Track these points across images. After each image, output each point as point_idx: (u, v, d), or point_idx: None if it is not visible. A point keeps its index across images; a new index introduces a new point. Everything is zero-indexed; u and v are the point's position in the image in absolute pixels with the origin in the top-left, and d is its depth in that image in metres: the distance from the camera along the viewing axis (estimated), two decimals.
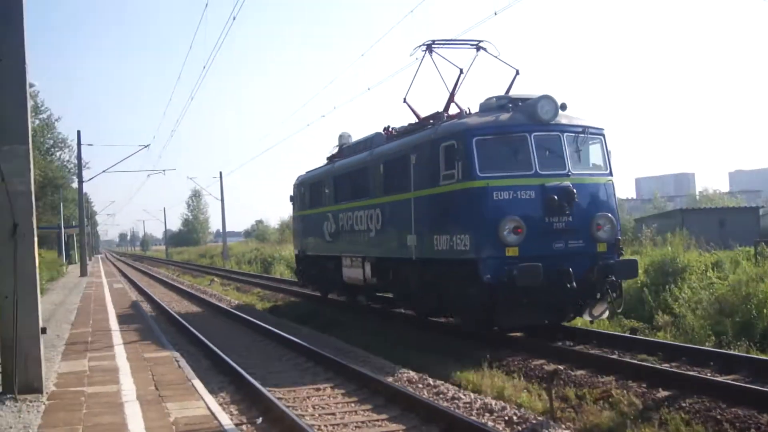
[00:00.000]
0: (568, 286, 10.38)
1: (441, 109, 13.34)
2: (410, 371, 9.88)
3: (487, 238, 10.61)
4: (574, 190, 10.81)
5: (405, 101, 14.60)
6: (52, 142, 78.36)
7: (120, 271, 53.42)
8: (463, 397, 8.51)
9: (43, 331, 8.31)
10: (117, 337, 13.47)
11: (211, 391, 8.62)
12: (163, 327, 17.20)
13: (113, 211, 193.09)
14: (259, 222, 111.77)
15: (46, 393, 8.20)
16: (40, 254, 39.59)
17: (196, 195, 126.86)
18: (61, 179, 65.41)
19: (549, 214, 10.81)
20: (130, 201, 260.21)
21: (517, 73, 13.12)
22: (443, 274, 11.69)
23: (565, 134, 11.30)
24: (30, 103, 8.99)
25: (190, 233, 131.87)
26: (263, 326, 15.29)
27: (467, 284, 10.96)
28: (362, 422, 7.69)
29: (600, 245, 11.19)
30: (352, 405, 8.46)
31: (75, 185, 51.49)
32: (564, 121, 11.39)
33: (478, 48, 13.57)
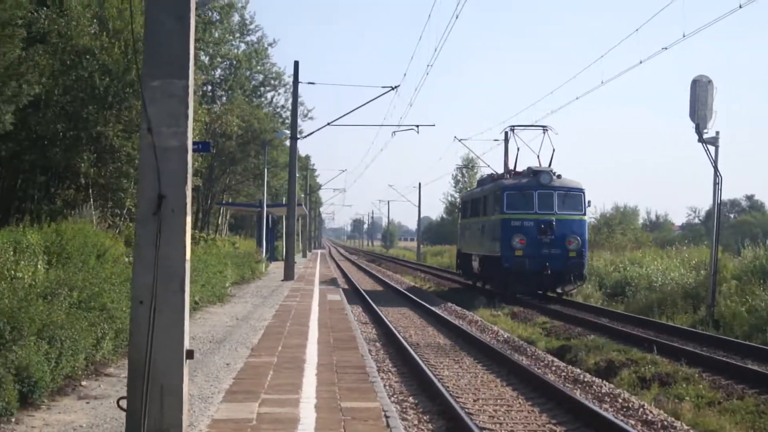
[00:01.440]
0: (546, 273, 32.02)
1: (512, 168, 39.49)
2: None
3: (506, 247, 32.57)
4: (554, 222, 32.35)
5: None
6: (262, 78, 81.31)
7: (344, 274, 54.93)
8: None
9: (189, 355, 8.51)
10: (310, 374, 13.96)
11: None
12: (384, 365, 17.89)
13: (343, 184, 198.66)
14: None
15: None
16: (232, 242, 41.34)
17: (468, 166, 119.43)
18: (271, 133, 66.84)
19: (540, 234, 32.35)
20: (366, 170, 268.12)
21: (554, 150, 41.90)
22: (491, 263, 34.68)
23: (556, 192, 33.23)
24: (208, 16, 8.51)
25: (455, 224, 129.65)
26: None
27: (497, 267, 33.07)
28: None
29: (571, 252, 32.08)
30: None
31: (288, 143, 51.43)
32: (556, 184, 33.35)
33: (545, 130, 38.53)
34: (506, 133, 44.29)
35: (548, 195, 33.96)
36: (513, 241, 33.26)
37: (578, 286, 35.39)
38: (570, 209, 34.11)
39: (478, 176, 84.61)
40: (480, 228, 38.63)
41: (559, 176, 34.87)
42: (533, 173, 34.80)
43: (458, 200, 47.71)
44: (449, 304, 32.99)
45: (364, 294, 36.30)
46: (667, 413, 13.71)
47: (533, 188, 34.05)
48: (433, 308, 29.92)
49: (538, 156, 40.46)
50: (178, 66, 8.49)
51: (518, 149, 54.08)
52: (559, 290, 35.04)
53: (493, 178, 40.38)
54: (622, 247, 54.32)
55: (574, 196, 34.42)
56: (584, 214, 34.70)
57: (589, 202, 34.73)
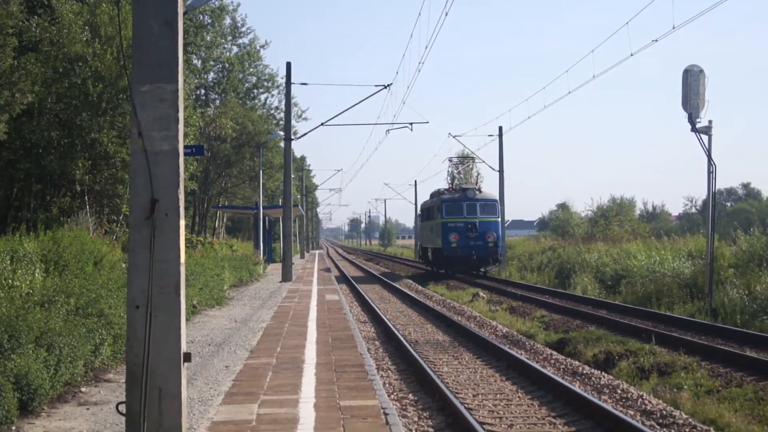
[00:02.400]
0: (473, 258, 49.01)
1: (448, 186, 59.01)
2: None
3: (445, 241, 49.01)
4: (477, 223, 48.73)
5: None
6: (255, 80, 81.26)
7: (342, 273, 55.15)
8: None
9: (186, 357, 8.56)
10: (309, 374, 14.01)
11: None
12: (384, 363, 17.96)
13: (339, 184, 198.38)
14: (561, 206, 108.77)
15: None
16: (230, 245, 41.45)
17: (462, 162, 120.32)
18: (266, 135, 66.63)
19: (468, 231, 48.64)
20: (362, 169, 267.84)
21: (479, 175, 67.73)
22: (436, 252, 52.12)
23: (478, 203, 49.58)
24: (198, 19, 8.56)
25: None
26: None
27: (441, 255, 50.22)
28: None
29: (489, 244, 48.65)
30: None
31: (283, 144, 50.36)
32: (479, 197, 50.07)
33: (474, 161, 71.58)
34: (449, 160, 66.73)
35: (473, 205, 49.50)
36: (449, 237, 48.76)
37: (495, 266, 51.54)
38: (488, 214, 49.51)
39: (474, 171, 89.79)
40: (430, 228, 55.52)
41: (480, 191, 51.20)
42: (463, 190, 51.10)
43: (418, 208, 63.50)
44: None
45: (362, 293, 36.49)
46: (666, 403, 13.77)
47: (462, 200, 49.73)
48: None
49: (476, 180, 64.98)
50: (167, 70, 8.54)
51: (454, 177, 64.99)
52: (482, 270, 50.94)
53: (439, 192, 55.50)
54: (618, 239, 54.27)
55: (491, 205, 50.22)
56: (498, 217, 50.21)
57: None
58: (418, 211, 67.76)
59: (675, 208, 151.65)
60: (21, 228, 23.26)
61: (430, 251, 55.80)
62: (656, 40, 27.27)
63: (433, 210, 54.48)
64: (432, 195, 58.82)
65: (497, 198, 52.56)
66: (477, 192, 50.47)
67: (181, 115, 8.60)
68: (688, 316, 25.35)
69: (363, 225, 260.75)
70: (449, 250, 48.99)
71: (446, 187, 57.65)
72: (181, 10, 8.70)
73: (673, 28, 26.14)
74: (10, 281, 15.41)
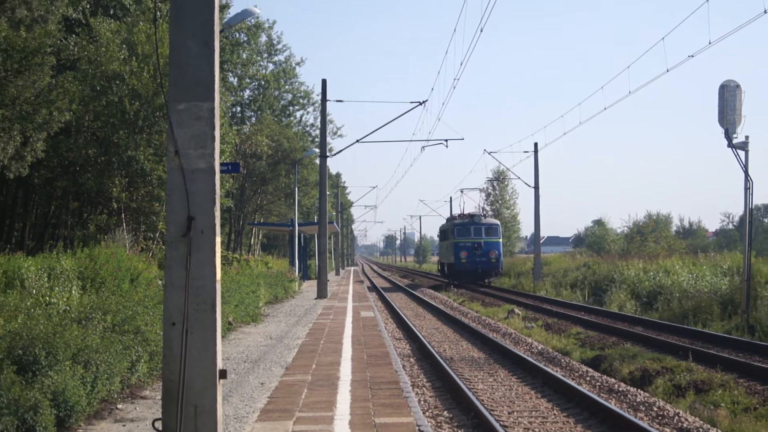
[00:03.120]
0: (479, 271, 60.72)
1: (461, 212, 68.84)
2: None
3: (456, 257, 60.28)
4: (482, 243, 60.15)
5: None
6: (290, 97, 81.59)
7: (377, 290, 55.20)
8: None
9: (222, 374, 8.58)
10: (344, 391, 13.98)
11: None
12: (419, 380, 17.84)
13: (374, 201, 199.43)
14: (597, 223, 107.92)
15: None
16: (265, 262, 41.56)
17: (498, 179, 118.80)
18: (301, 152, 67.05)
19: (474, 250, 60.22)
20: (397, 186, 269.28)
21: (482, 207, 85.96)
22: (450, 266, 63.88)
23: (483, 226, 61.06)
24: (237, 37, 8.67)
25: None
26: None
27: (453, 269, 61.93)
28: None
29: (492, 260, 60.31)
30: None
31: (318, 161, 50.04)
32: (483, 222, 61.77)
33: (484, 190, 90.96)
34: (460, 191, 77.88)
35: (478, 228, 60.35)
36: (460, 254, 59.82)
37: (496, 278, 62.99)
38: (491, 236, 60.69)
39: (509, 188, 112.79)
40: (446, 247, 66.18)
41: (485, 216, 64.39)
42: (471, 216, 61.84)
43: (438, 230, 75.03)
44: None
45: (397, 309, 36.37)
46: (703, 420, 13.65)
47: (470, 224, 60.55)
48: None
49: (482, 207, 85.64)
50: (203, 89, 8.61)
51: (464, 203, 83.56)
52: (486, 280, 61.56)
53: (452, 217, 67.41)
54: (654, 255, 54.06)
55: (494, 228, 61.45)
56: (499, 238, 61.70)
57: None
58: (438, 233, 77.79)
59: (712, 224, 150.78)
60: (58, 245, 23.50)
61: (446, 266, 67.21)
62: (692, 56, 27.14)
63: (447, 232, 65.45)
64: (447, 220, 72.09)
65: (498, 222, 64.92)
66: (482, 218, 62.48)
67: (217, 133, 8.67)
68: (724, 333, 25.10)
69: (398, 242, 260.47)
70: (460, 264, 60.30)
71: (458, 213, 68.13)
72: (218, 29, 8.76)
73: (710, 43, 25.94)
74: (47, 298, 15.55)
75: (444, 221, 74.19)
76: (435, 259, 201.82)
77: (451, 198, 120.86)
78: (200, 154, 8.52)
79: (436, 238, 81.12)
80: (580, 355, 22.49)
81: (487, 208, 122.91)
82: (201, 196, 8.49)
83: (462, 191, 74.96)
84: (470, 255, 59.64)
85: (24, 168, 25.83)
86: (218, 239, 8.62)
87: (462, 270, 60.23)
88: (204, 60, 8.64)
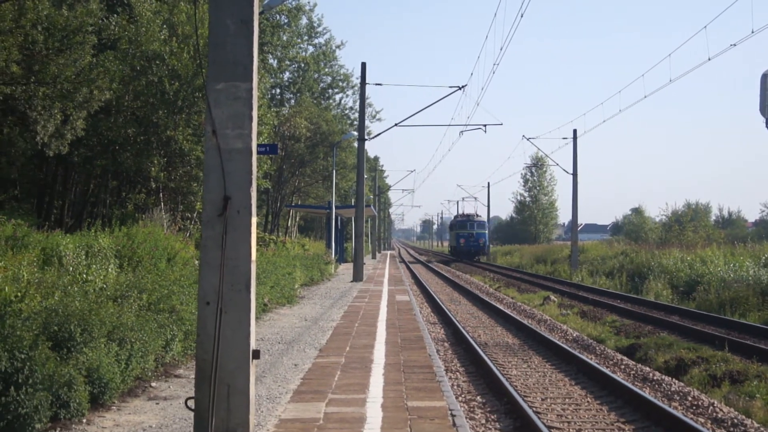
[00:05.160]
0: (471, 251, 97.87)
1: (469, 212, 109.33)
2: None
3: (458, 242, 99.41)
4: (474, 233, 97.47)
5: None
6: (330, 80, 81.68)
7: (413, 275, 55.03)
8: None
9: (255, 354, 8.55)
10: (377, 374, 14.02)
11: None
12: (452, 364, 17.87)
13: (412, 185, 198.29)
14: (635, 211, 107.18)
15: None
16: (302, 244, 41.75)
17: (537, 165, 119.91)
18: (340, 135, 66.87)
19: (469, 238, 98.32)
20: (435, 170, 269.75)
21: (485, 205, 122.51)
22: (453, 248, 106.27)
23: (475, 222, 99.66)
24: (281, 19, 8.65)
25: (525, 224, 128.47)
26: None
27: (455, 250, 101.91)
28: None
29: (480, 244, 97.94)
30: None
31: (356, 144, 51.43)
32: (475, 219, 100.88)
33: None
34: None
35: (472, 223, 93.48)
36: (459, 241, 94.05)
37: (483, 257, 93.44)
38: (480, 229, 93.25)
39: (547, 175, 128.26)
40: (453, 236, 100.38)
41: (478, 216, 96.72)
42: (467, 215, 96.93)
43: (448, 223, 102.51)
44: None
45: (433, 294, 36.26)
46: (738, 411, 13.55)
47: (467, 221, 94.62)
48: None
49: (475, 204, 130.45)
50: (242, 69, 8.57)
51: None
52: (476, 258, 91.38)
53: (457, 216, 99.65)
54: (692, 245, 53.46)
55: (481, 223, 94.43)
56: (485, 230, 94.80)
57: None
58: (448, 226, 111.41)
59: (752, 215, 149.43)
60: (96, 223, 23.62)
61: (452, 248, 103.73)
62: (734, 45, 26.90)
63: (454, 226, 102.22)
64: (454, 217, 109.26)
65: (485, 219, 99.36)
66: (475, 217, 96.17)
67: (254, 113, 8.62)
68: (762, 323, 24.93)
69: (435, 226, 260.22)
70: (459, 247, 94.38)
71: (461, 212, 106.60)
72: (257, 9, 8.74)
73: (752, 32, 25.70)
74: (84, 276, 15.64)
75: (456, 214, 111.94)
76: None
77: (489, 183, 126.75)
78: (237, 134, 8.47)
79: None
80: (615, 343, 22.43)
81: (525, 194, 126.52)
82: (237, 176, 8.44)
83: (463, 199, 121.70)
84: (466, 241, 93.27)
85: (64, 146, 26.03)
86: (254, 219, 8.60)
87: (461, 251, 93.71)
88: (242, 39, 8.58)
